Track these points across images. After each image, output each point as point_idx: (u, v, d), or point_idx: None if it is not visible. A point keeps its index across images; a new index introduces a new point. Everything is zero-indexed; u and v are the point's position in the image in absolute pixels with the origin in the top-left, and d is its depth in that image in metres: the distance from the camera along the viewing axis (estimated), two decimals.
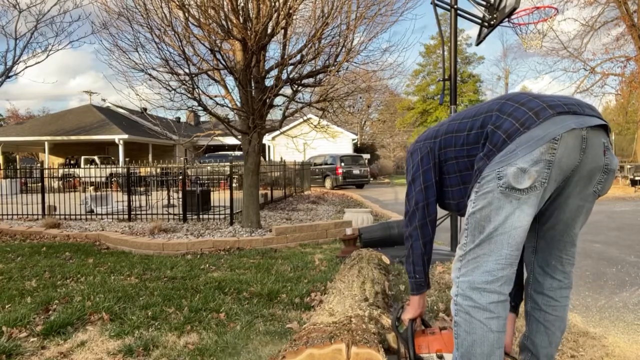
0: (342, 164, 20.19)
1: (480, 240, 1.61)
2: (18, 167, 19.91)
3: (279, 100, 7.21)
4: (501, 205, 1.55)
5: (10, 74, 15.58)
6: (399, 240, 5.46)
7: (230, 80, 7.25)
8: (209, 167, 14.11)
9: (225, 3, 5.87)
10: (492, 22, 5.14)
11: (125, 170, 9.37)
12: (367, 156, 28.14)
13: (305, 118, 8.90)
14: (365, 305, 2.47)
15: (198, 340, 2.75)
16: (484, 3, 5.18)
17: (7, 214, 8.77)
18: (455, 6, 5.19)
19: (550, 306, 1.87)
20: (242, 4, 6.05)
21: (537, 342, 1.90)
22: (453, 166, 1.80)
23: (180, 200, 8.40)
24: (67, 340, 2.79)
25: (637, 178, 16.80)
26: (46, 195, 9.01)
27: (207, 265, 4.87)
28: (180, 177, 9.50)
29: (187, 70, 6.02)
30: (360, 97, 29.78)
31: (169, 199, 10.10)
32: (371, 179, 25.05)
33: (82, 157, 22.31)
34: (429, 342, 1.85)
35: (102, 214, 8.74)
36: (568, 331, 2.84)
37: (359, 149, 30.65)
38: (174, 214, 8.26)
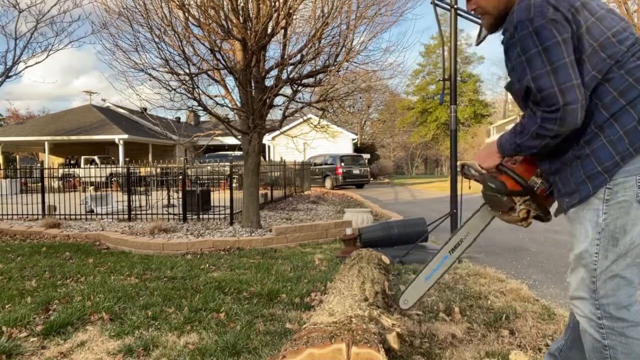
0: (342, 164, 20.19)
1: (617, 256, 1.47)
2: (18, 167, 19.91)
3: (279, 100, 7.22)
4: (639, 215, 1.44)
5: (11, 74, 15.56)
6: (399, 240, 5.46)
7: (230, 80, 7.26)
8: (209, 167, 14.12)
9: (225, 3, 5.87)
10: None
11: (125, 170, 9.36)
12: (367, 156, 28.14)
13: (305, 118, 8.90)
14: (365, 305, 2.47)
15: (198, 340, 2.75)
16: None
17: (7, 214, 8.77)
18: (455, 6, 5.19)
19: None
20: (242, 4, 6.05)
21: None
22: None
23: (180, 200, 8.40)
24: (67, 340, 2.79)
25: None
26: (46, 195, 9.01)
27: (207, 265, 4.87)
28: (180, 177, 9.50)
29: (187, 70, 6.03)
30: (360, 97, 29.80)
31: (169, 199, 10.10)
32: (371, 179, 25.06)
33: (82, 157, 22.32)
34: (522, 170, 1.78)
35: (102, 214, 8.74)
36: None
37: (359, 149, 30.64)
38: (174, 214, 8.26)
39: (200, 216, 8.12)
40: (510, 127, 1.73)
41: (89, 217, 8.65)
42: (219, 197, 9.07)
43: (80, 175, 16.32)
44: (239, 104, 6.68)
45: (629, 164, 1.43)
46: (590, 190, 1.49)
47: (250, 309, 3.30)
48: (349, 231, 5.53)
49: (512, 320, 2.93)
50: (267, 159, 24.68)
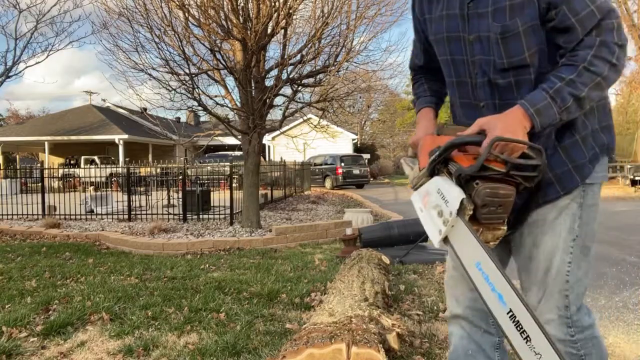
0: (342, 164, 20.20)
1: (587, 264, 1.33)
2: (18, 167, 19.91)
3: (279, 100, 7.23)
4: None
5: (11, 74, 15.54)
6: (399, 240, 5.46)
7: (230, 80, 7.27)
8: (209, 167, 14.11)
9: (225, 3, 5.88)
10: None
11: (125, 170, 9.37)
12: (367, 156, 28.12)
13: (305, 118, 8.91)
14: (365, 305, 2.47)
15: (198, 340, 2.75)
16: None
17: (7, 214, 8.77)
18: None
19: None
20: (242, 4, 6.06)
21: None
22: None
23: (180, 200, 8.40)
24: (67, 340, 2.79)
25: (637, 178, 16.80)
26: (46, 195, 9.01)
27: (207, 265, 4.87)
28: (180, 177, 9.50)
29: (187, 71, 6.03)
30: (360, 97, 29.82)
31: (169, 199, 10.10)
32: (371, 179, 25.06)
33: (82, 157, 22.32)
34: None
35: (102, 214, 8.74)
36: None
37: (359, 149, 30.64)
38: (174, 214, 8.25)
39: (200, 216, 8.12)
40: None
41: (89, 217, 8.65)
42: (219, 197, 9.07)
43: (80, 175, 16.32)
44: (239, 104, 6.68)
45: (600, 162, 1.30)
46: (578, 181, 1.27)
47: (250, 309, 3.30)
48: (349, 231, 5.53)
49: None
50: (267, 159, 24.68)
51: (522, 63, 1.24)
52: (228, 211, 7.69)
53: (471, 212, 1.10)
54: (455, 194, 1.10)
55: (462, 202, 1.09)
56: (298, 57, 6.50)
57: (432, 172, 1.22)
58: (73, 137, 23.50)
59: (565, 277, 1.30)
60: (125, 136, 22.54)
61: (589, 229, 1.30)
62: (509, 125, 1.13)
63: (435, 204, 1.16)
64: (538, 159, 1.12)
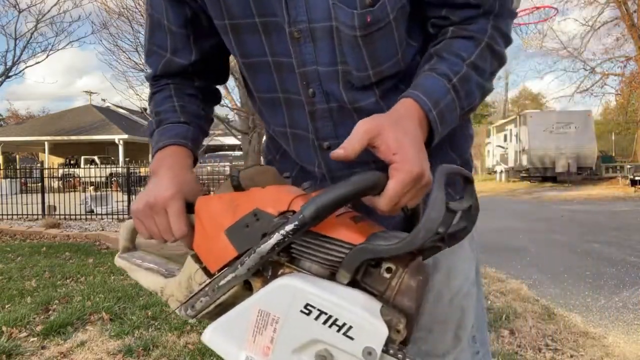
0: None
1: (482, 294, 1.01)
2: (18, 167, 19.92)
3: None
4: None
5: (10, 74, 15.55)
6: None
7: (230, 80, 7.27)
8: (209, 167, 14.11)
9: None
10: None
11: (125, 170, 9.37)
12: None
13: None
14: None
15: (198, 340, 2.75)
16: None
17: (7, 214, 8.77)
18: None
19: None
20: None
21: None
22: None
23: None
24: (67, 340, 2.79)
25: (637, 178, 16.79)
26: (46, 195, 9.02)
27: None
28: None
29: None
30: None
31: None
32: None
33: (82, 157, 22.34)
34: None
35: (102, 214, 8.74)
36: (568, 331, 2.84)
37: None
38: None
39: None
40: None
41: (89, 217, 8.65)
42: None
43: (80, 175, 16.34)
44: (239, 104, 6.69)
45: None
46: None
47: None
48: None
49: (512, 320, 2.93)
50: None
51: (394, 70, 0.76)
52: None
53: (405, 335, 0.52)
54: (361, 306, 0.52)
55: (389, 321, 0.52)
56: None
57: (258, 271, 0.62)
58: (73, 137, 23.53)
59: (480, 311, 0.90)
60: (125, 136, 22.56)
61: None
62: (416, 140, 0.62)
63: (306, 340, 0.54)
64: (469, 196, 0.60)
